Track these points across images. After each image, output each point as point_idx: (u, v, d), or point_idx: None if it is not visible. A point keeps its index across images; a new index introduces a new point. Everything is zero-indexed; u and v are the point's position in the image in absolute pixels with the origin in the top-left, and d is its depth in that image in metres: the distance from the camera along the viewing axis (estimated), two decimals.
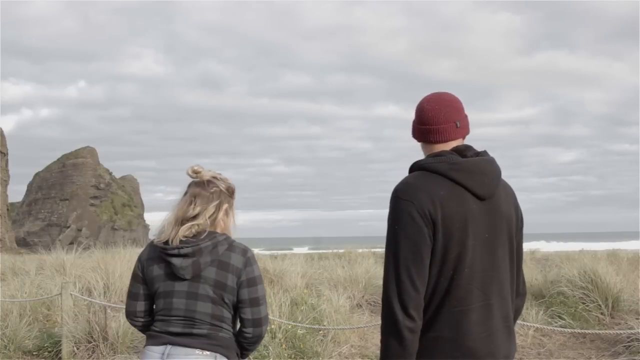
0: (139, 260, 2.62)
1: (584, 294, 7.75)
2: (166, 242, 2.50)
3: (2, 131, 78.66)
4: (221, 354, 2.47)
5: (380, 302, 2.34)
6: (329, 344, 6.81)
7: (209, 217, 2.52)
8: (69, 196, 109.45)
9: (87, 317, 7.23)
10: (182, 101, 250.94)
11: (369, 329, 7.19)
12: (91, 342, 7.04)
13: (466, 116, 2.38)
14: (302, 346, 6.66)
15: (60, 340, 7.20)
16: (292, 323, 6.81)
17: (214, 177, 2.62)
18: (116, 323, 7.15)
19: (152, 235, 2.66)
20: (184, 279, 2.46)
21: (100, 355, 6.95)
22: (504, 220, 2.26)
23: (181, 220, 2.51)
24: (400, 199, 2.17)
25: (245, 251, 2.51)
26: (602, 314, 7.50)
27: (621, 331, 6.44)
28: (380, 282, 2.26)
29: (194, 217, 2.51)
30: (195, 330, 2.46)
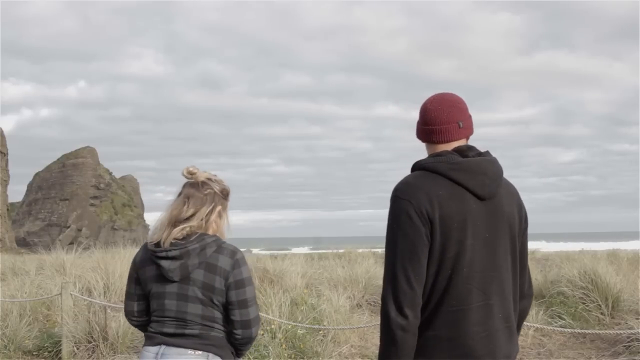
0: (134, 261, 2.65)
1: (584, 294, 7.75)
2: (158, 244, 2.52)
3: (2, 131, 78.68)
4: (214, 353, 2.49)
5: (380, 301, 2.32)
6: (329, 344, 6.81)
7: (201, 219, 2.53)
8: (69, 196, 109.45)
9: (87, 317, 7.23)
10: (182, 101, 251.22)
11: (369, 329, 7.19)
12: (91, 342, 7.04)
13: (470, 116, 2.38)
14: (302, 346, 6.66)
15: (60, 340, 7.20)
16: (292, 323, 6.81)
17: (209, 179, 2.62)
18: (116, 323, 7.15)
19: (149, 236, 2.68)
20: (174, 281, 2.49)
21: (100, 355, 6.95)
22: (505, 220, 2.26)
23: (174, 222, 2.53)
24: (399, 198, 2.19)
25: (233, 253, 2.51)
26: (602, 314, 7.50)
27: (621, 331, 6.44)
28: (380, 282, 2.27)
29: (187, 219, 2.52)
30: (187, 331, 2.50)
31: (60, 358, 7.13)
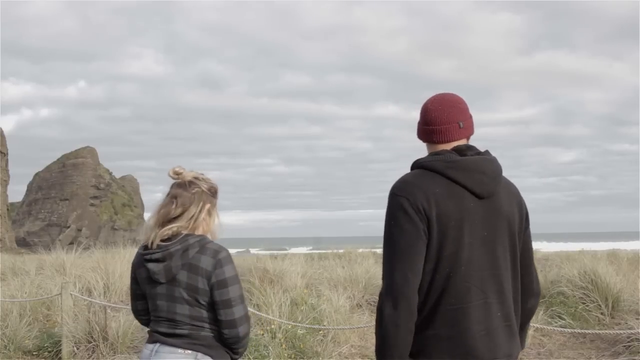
0: (132, 262, 2.70)
1: (584, 294, 7.75)
2: (147, 246, 2.56)
3: (2, 131, 78.68)
4: (203, 352, 2.51)
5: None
6: (329, 344, 6.81)
7: (190, 218, 2.54)
8: (69, 196, 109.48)
9: (87, 317, 7.24)
10: (182, 101, 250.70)
11: (369, 329, 7.18)
12: (91, 342, 7.05)
13: (471, 116, 2.39)
14: (302, 346, 6.66)
15: (60, 340, 7.20)
16: (292, 323, 6.82)
17: (196, 178, 2.63)
18: (116, 323, 7.16)
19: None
20: (162, 282, 2.52)
21: (100, 355, 6.95)
22: (504, 219, 2.26)
23: (162, 222, 2.54)
24: (396, 195, 2.21)
25: (216, 252, 2.50)
26: (602, 314, 7.50)
27: (621, 331, 6.45)
28: (380, 282, 2.27)
29: (176, 218, 2.53)
30: (177, 331, 2.53)
31: (60, 358, 7.13)
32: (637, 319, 6.97)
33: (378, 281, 8.75)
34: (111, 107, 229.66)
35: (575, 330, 6.40)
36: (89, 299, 7.80)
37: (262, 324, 7.10)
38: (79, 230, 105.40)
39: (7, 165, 78.30)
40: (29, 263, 13.21)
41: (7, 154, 78.98)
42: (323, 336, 6.96)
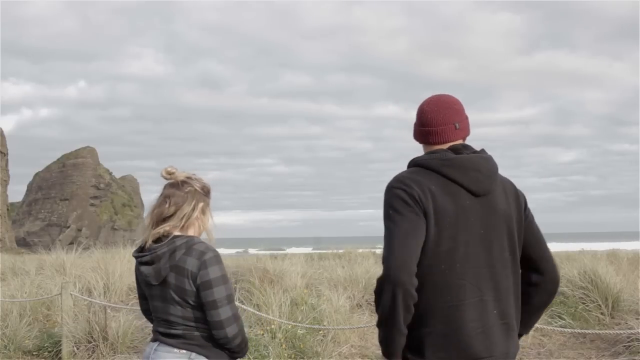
0: (135, 265, 2.72)
1: (584, 294, 7.75)
2: (141, 248, 2.59)
3: (2, 131, 78.66)
4: (197, 352, 2.53)
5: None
6: (329, 344, 6.81)
7: (182, 217, 2.55)
8: (69, 196, 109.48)
9: (87, 317, 7.24)
10: (182, 101, 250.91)
11: (369, 329, 7.18)
12: (91, 342, 7.05)
13: (466, 117, 2.40)
14: (302, 346, 6.66)
15: (60, 340, 7.21)
16: (292, 323, 6.82)
17: (189, 178, 2.64)
18: (116, 323, 7.16)
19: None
20: (155, 284, 2.54)
21: (100, 355, 6.95)
22: (501, 217, 2.27)
23: (156, 222, 2.56)
24: (393, 187, 2.22)
25: (202, 254, 2.49)
26: (602, 314, 7.50)
27: (621, 331, 6.45)
28: None
29: (168, 218, 2.54)
30: (172, 331, 2.55)
31: (60, 358, 7.13)
32: (637, 319, 6.97)
33: None
34: (111, 107, 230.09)
35: (575, 330, 6.40)
36: (89, 299, 7.80)
37: (262, 324, 7.10)
38: (79, 230, 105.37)
39: (7, 165, 78.30)
40: (29, 263, 13.21)
41: (7, 154, 78.97)
42: (323, 336, 6.95)
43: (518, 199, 2.36)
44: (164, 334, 2.58)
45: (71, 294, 7.47)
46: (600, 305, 7.56)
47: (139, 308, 2.89)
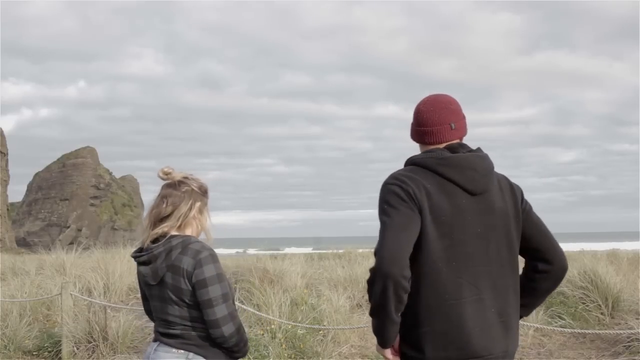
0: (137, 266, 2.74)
1: (584, 294, 7.74)
2: (140, 249, 2.60)
3: (2, 131, 78.68)
4: (195, 352, 2.53)
5: None
6: (329, 344, 6.81)
7: (180, 217, 2.55)
8: (69, 196, 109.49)
9: (87, 317, 7.24)
10: (182, 101, 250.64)
11: (369, 329, 7.16)
12: (91, 342, 7.05)
13: (463, 117, 2.40)
14: (302, 346, 6.66)
15: (60, 340, 7.21)
16: (292, 323, 6.82)
17: (186, 177, 2.64)
18: (116, 323, 7.16)
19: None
20: (153, 284, 2.55)
21: (100, 355, 6.95)
22: (498, 215, 2.27)
23: (154, 222, 2.57)
24: (388, 183, 2.24)
25: (197, 253, 2.49)
26: (602, 314, 7.50)
27: (621, 331, 6.45)
28: None
29: (166, 218, 2.55)
30: (171, 331, 2.56)
31: (60, 358, 7.13)
32: (637, 319, 6.97)
33: None
34: (111, 107, 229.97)
35: (575, 330, 6.40)
36: (89, 299, 7.80)
37: (262, 324, 7.10)
38: (79, 230, 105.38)
39: (7, 165, 78.30)
40: (29, 263, 13.21)
41: (7, 154, 78.98)
42: (323, 336, 6.95)
43: (514, 193, 2.36)
44: (163, 334, 2.58)
45: (71, 294, 7.47)
46: (600, 305, 7.56)
47: (139, 308, 2.91)
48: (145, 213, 2.67)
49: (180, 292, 2.48)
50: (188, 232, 2.60)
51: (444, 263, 2.17)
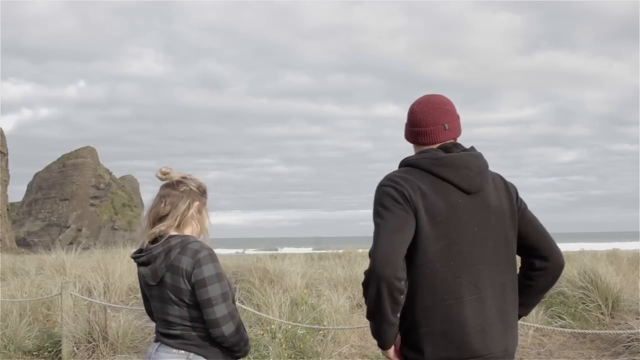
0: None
1: (584, 294, 7.74)
2: (140, 250, 2.60)
3: (2, 131, 78.64)
4: (195, 352, 2.53)
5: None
6: (329, 344, 6.81)
7: (177, 216, 2.55)
8: (69, 196, 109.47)
9: (87, 317, 7.24)
10: (182, 101, 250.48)
11: (369, 329, 7.18)
12: (91, 342, 7.05)
13: (458, 117, 2.40)
14: (302, 346, 6.66)
15: (60, 340, 7.21)
16: (292, 323, 6.82)
17: (184, 177, 2.65)
18: (116, 323, 7.16)
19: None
20: (153, 285, 2.55)
21: (100, 355, 6.95)
22: (493, 214, 2.27)
23: (153, 222, 2.57)
24: (382, 185, 2.25)
25: (196, 252, 2.49)
26: (602, 314, 7.50)
27: (621, 331, 6.45)
28: None
29: (164, 217, 2.56)
30: (171, 331, 2.56)
31: (60, 358, 7.13)
32: (637, 319, 6.97)
33: None
34: (111, 107, 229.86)
35: (575, 330, 6.40)
36: (89, 299, 7.80)
37: (262, 324, 7.10)
38: (79, 230, 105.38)
39: (7, 165, 78.28)
40: (29, 263, 13.21)
41: (7, 154, 78.94)
42: (323, 336, 6.96)
43: (508, 191, 2.36)
44: (164, 335, 2.58)
45: (71, 294, 7.47)
46: (600, 305, 7.56)
47: (139, 308, 2.91)
48: (144, 213, 2.68)
49: (179, 292, 2.48)
50: (187, 231, 2.60)
51: (442, 263, 2.17)
